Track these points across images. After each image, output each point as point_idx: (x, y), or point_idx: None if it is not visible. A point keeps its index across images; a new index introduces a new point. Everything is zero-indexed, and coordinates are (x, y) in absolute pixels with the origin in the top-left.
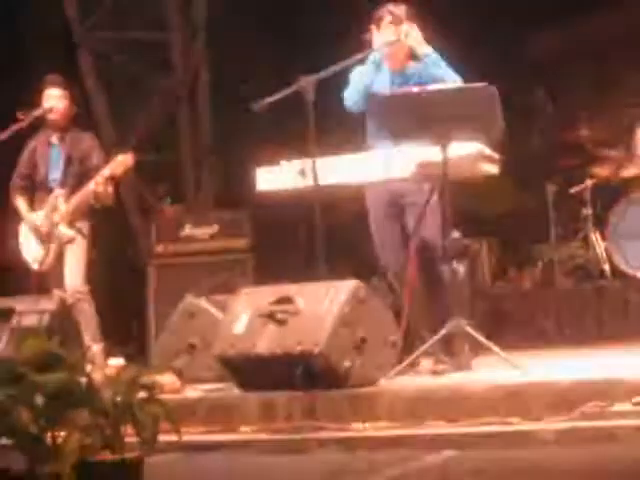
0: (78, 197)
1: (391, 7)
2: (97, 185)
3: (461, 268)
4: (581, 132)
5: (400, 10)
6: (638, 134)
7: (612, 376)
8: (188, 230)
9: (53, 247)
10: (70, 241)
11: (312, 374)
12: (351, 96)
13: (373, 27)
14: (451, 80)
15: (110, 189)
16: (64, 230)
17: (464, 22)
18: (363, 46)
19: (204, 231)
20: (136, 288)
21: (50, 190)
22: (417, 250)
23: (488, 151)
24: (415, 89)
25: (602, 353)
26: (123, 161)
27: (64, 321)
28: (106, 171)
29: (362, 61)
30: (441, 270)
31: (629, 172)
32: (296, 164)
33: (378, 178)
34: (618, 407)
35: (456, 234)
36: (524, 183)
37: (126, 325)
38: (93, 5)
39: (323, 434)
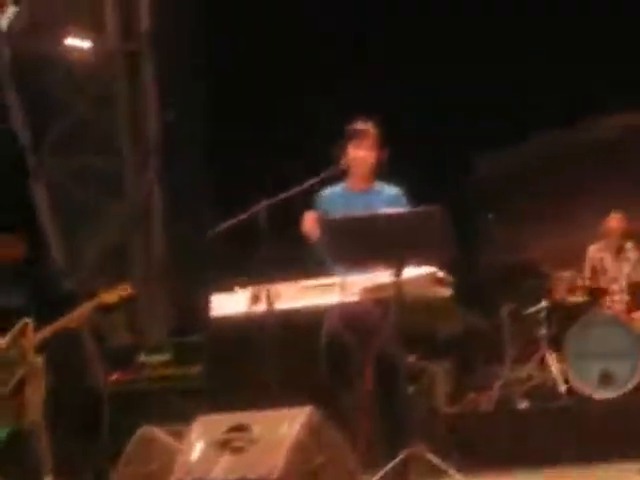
0: (57, 324)
1: (364, 124)
2: (83, 312)
3: (415, 391)
4: (535, 253)
5: (371, 127)
6: (590, 254)
7: None
8: (142, 358)
9: (17, 375)
10: (36, 371)
11: None
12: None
13: (346, 143)
14: None
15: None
16: (34, 359)
17: (409, 149)
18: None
19: (158, 358)
20: (91, 416)
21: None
22: (374, 372)
23: (441, 273)
24: (367, 213)
25: (561, 475)
26: (120, 291)
27: (18, 451)
28: (101, 299)
29: (326, 180)
30: (402, 392)
31: (582, 293)
32: (251, 290)
33: (333, 302)
34: None
35: (412, 357)
36: (479, 305)
37: (82, 455)
38: (44, 132)
39: None
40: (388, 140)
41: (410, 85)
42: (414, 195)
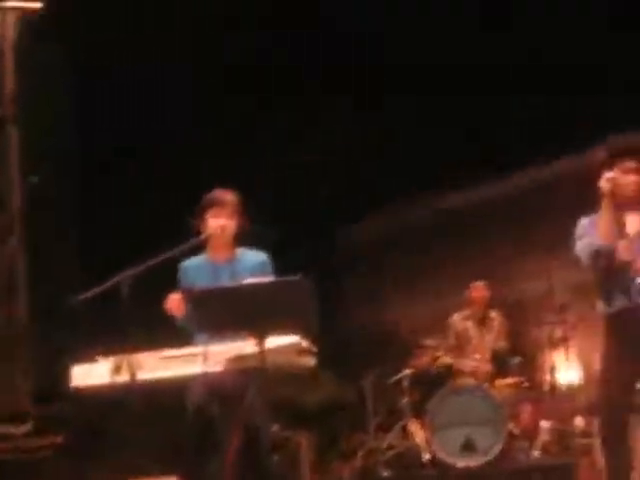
0: None
1: (222, 193)
2: None
3: (279, 461)
4: (399, 321)
5: (229, 195)
6: (454, 323)
7: None
8: (2, 428)
9: None
10: None
11: None
12: None
13: (205, 213)
14: None
15: None
16: None
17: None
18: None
19: (18, 429)
20: None
21: None
22: (239, 442)
23: (305, 343)
24: (232, 283)
25: None
26: None
27: None
28: None
29: (189, 251)
30: (267, 463)
31: (445, 361)
32: (113, 360)
33: (196, 372)
34: None
35: (275, 427)
36: (343, 374)
37: None
38: None
39: None
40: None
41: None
42: (279, 259)
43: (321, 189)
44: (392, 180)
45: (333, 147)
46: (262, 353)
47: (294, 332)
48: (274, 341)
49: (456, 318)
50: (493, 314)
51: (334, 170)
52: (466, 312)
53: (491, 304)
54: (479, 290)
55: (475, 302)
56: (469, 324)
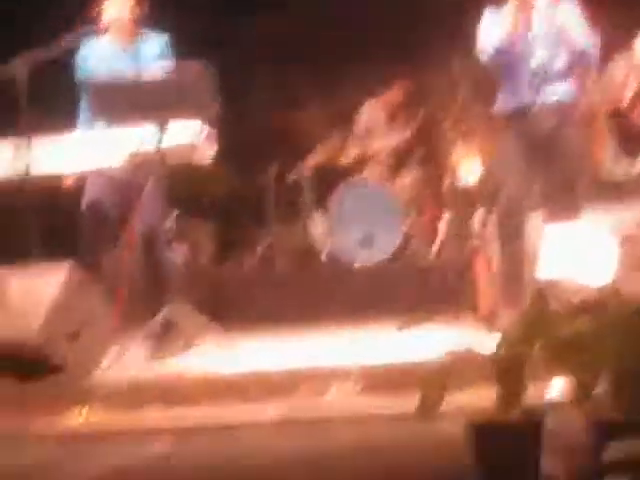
0: None
1: None
2: None
3: (181, 251)
4: (300, 115)
5: None
6: (365, 110)
7: (329, 361)
8: None
9: None
10: None
11: (24, 363)
12: None
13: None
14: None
15: None
16: None
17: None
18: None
19: None
20: None
21: None
22: (137, 234)
23: (203, 136)
24: (131, 72)
25: (319, 337)
26: None
27: None
28: None
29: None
30: (161, 254)
31: (347, 157)
32: (13, 148)
33: (93, 167)
34: (334, 393)
35: (174, 218)
36: (245, 167)
37: None
38: None
39: (35, 427)
40: None
41: None
42: (186, 42)
43: None
44: None
45: None
46: (161, 145)
47: (193, 118)
48: (173, 134)
49: (365, 113)
50: (402, 112)
51: None
52: (376, 107)
53: (404, 104)
54: (397, 90)
55: (390, 101)
56: (378, 120)
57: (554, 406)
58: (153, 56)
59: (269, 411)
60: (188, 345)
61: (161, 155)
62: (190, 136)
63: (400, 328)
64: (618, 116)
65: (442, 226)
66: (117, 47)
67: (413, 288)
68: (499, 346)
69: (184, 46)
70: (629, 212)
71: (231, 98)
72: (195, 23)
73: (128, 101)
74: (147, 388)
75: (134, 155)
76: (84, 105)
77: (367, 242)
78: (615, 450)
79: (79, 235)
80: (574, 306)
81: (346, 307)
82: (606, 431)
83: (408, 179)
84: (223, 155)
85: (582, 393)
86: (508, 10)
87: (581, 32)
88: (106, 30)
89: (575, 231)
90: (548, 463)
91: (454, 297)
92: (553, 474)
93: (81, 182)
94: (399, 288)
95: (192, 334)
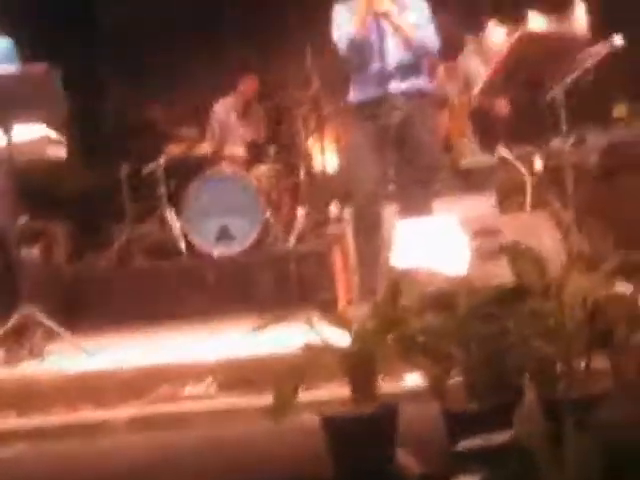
0: None
1: None
2: None
3: (33, 252)
4: (153, 111)
5: None
6: (217, 111)
7: (185, 359)
8: None
9: None
10: None
11: None
12: None
13: None
14: None
15: None
16: None
17: None
18: None
19: None
20: None
21: None
22: None
23: (53, 134)
24: None
25: (177, 333)
26: None
27: None
28: None
29: None
30: (11, 255)
31: (203, 149)
32: None
33: None
34: (190, 390)
35: (26, 218)
36: (98, 163)
37: None
38: None
39: None
40: None
41: None
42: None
43: None
44: None
45: None
46: (9, 143)
47: (41, 121)
48: (22, 132)
49: (219, 107)
50: (256, 106)
51: None
52: (230, 101)
53: (257, 97)
54: (249, 84)
55: (244, 95)
56: (232, 114)
57: (409, 398)
58: None
59: (124, 411)
60: (40, 349)
61: (10, 151)
62: (42, 131)
63: (255, 329)
64: (474, 106)
65: (300, 216)
66: None
67: (271, 278)
68: (353, 340)
69: (28, 49)
70: (483, 202)
71: (82, 95)
72: (39, 23)
73: None
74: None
75: None
76: None
77: (224, 235)
78: (469, 441)
79: None
80: (426, 297)
81: (204, 301)
82: (460, 421)
83: (263, 170)
84: (77, 151)
85: (434, 385)
86: (357, 8)
87: (427, 29)
88: None
89: (428, 224)
90: (403, 454)
91: (313, 287)
92: (408, 465)
93: None
94: (257, 278)
95: (44, 339)
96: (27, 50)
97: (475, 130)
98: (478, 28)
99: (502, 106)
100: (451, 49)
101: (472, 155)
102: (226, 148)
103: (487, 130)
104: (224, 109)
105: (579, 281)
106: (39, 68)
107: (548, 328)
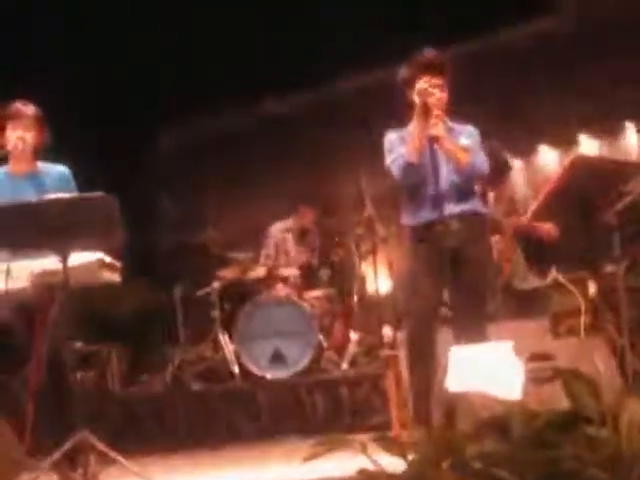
0: None
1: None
2: None
3: (88, 376)
4: (208, 234)
5: (31, 109)
6: (273, 233)
7: None
8: None
9: None
10: None
11: None
12: None
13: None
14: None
15: None
16: None
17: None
18: None
19: None
20: None
21: None
22: (44, 358)
23: (108, 259)
24: (32, 199)
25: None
26: None
27: None
28: None
29: None
30: (68, 378)
31: (256, 274)
32: None
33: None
34: None
35: (81, 342)
36: (152, 286)
37: None
38: None
39: None
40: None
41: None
42: (87, 172)
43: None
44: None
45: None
46: (65, 269)
47: (97, 248)
48: (77, 256)
49: (277, 228)
50: (312, 230)
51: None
52: (287, 223)
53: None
54: (307, 212)
55: (301, 219)
56: (288, 236)
57: None
58: (54, 185)
59: None
60: (94, 475)
61: (66, 275)
62: (96, 255)
63: (306, 459)
64: (523, 229)
65: (352, 340)
66: (17, 174)
67: (324, 402)
68: (408, 466)
69: (85, 175)
70: (537, 326)
71: (138, 221)
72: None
73: (29, 230)
74: None
75: (38, 275)
76: None
77: (277, 358)
78: None
79: None
80: (482, 423)
81: (256, 425)
82: None
83: (317, 293)
84: (130, 276)
85: None
86: (411, 131)
87: (478, 154)
88: (6, 159)
89: (483, 349)
90: None
91: (366, 412)
92: None
93: None
94: (310, 402)
95: (98, 463)
96: (83, 177)
97: (524, 253)
98: (529, 151)
99: (552, 229)
100: (499, 174)
101: (524, 278)
102: (280, 270)
103: (536, 253)
104: (280, 231)
105: (636, 408)
106: (97, 195)
107: (604, 456)
